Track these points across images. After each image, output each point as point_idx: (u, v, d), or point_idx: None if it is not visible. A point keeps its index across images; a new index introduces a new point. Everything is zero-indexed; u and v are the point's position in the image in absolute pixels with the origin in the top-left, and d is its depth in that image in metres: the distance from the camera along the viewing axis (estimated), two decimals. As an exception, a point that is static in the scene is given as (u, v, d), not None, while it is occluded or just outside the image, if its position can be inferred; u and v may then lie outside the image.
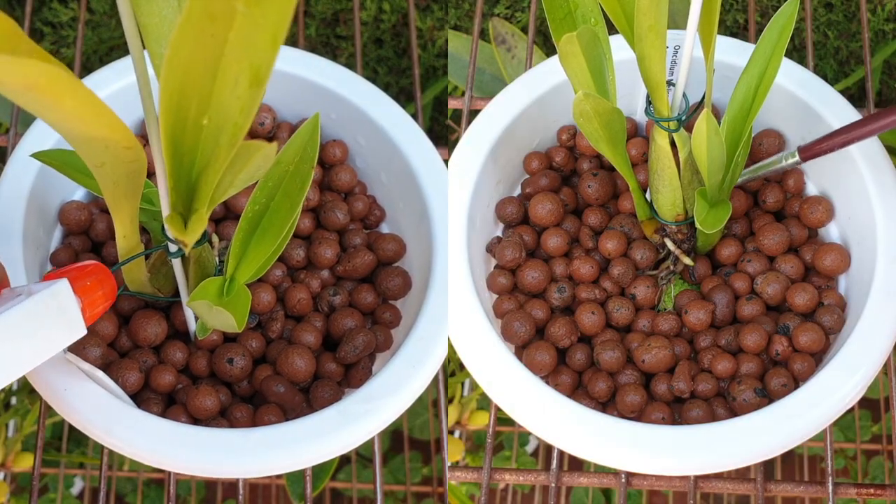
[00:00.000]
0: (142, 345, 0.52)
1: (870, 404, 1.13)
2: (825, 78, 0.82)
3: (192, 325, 0.53)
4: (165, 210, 0.43)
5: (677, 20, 0.68)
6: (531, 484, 0.57)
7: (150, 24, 0.42)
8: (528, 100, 0.58)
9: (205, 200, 0.40)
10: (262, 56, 0.33)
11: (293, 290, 0.55)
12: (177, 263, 0.48)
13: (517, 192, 0.61)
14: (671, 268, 0.57)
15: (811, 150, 0.53)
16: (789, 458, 1.11)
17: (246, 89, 0.34)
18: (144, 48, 0.40)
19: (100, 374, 0.49)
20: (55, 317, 0.42)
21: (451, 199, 0.55)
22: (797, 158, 0.54)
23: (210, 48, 0.32)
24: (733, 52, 0.58)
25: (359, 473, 1.07)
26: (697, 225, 0.51)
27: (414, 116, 0.61)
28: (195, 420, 0.51)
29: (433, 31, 0.88)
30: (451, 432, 0.95)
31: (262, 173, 0.40)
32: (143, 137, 0.58)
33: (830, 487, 0.54)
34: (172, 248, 0.46)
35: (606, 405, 0.54)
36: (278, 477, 0.97)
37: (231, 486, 1.08)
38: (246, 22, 0.32)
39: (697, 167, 0.51)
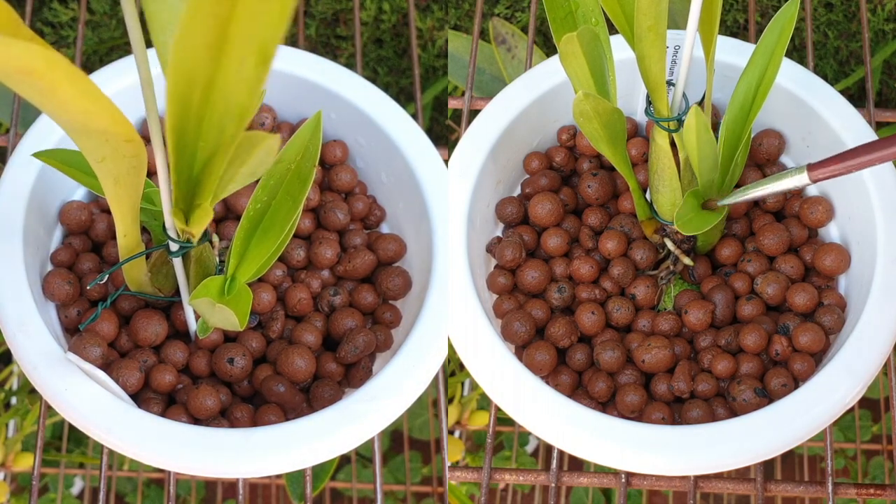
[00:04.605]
0: (142, 344, 0.52)
1: (870, 404, 1.13)
2: (825, 78, 0.82)
3: (193, 325, 0.53)
4: (167, 207, 0.43)
5: (677, 20, 0.68)
6: (531, 484, 0.57)
7: (156, 11, 0.41)
8: (528, 100, 0.58)
9: (208, 194, 0.39)
10: (269, 32, 0.33)
11: (293, 290, 0.55)
12: (177, 263, 0.48)
13: (517, 192, 0.61)
14: (671, 268, 0.57)
15: (822, 171, 0.47)
16: (789, 458, 1.11)
17: (252, 69, 0.34)
18: (149, 44, 0.40)
19: (100, 373, 0.49)
20: None
21: (451, 199, 0.56)
22: (805, 177, 0.48)
23: (215, 30, 0.32)
24: (733, 52, 0.58)
25: (359, 473, 1.07)
26: (675, 226, 0.50)
27: (414, 116, 0.61)
28: (195, 420, 0.51)
29: (433, 31, 0.88)
30: (451, 432, 0.95)
31: (265, 169, 0.40)
32: (145, 138, 0.59)
33: (830, 487, 0.54)
34: (173, 246, 0.46)
35: (606, 405, 0.54)
36: (278, 477, 0.97)
37: (231, 486, 1.08)
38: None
39: (697, 167, 0.51)
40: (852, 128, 0.56)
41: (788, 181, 0.49)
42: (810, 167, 0.48)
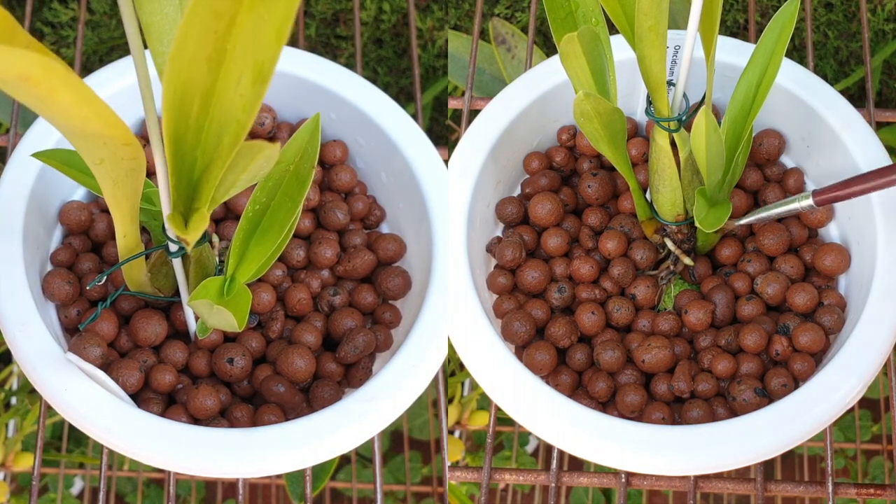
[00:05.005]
0: (142, 345, 0.52)
1: (870, 404, 1.13)
2: (825, 78, 0.82)
3: (193, 325, 0.53)
4: (166, 209, 0.43)
5: (677, 20, 0.68)
6: (531, 484, 0.57)
7: (152, 23, 0.42)
8: (528, 100, 0.58)
9: (206, 200, 0.40)
10: (266, 53, 0.33)
11: (293, 290, 0.55)
12: (177, 263, 0.48)
13: (517, 192, 0.61)
14: (671, 268, 0.57)
15: (827, 196, 0.51)
16: (789, 458, 1.11)
17: (249, 86, 0.34)
18: (146, 47, 0.40)
19: (100, 374, 0.49)
20: None
21: (451, 199, 0.56)
22: (811, 202, 0.52)
23: (213, 45, 0.32)
24: (733, 52, 0.58)
25: (359, 473, 1.07)
26: (697, 224, 0.51)
27: (414, 116, 0.61)
28: (195, 420, 0.51)
29: (433, 31, 0.88)
30: (451, 432, 0.95)
31: (265, 174, 0.40)
32: (144, 139, 0.58)
33: (830, 487, 0.54)
34: (173, 247, 0.46)
35: (606, 405, 0.54)
36: (278, 477, 0.97)
37: (231, 486, 1.08)
38: (250, 18, 0.32)
39: (698, 167, 0.51)
40: (852, 128, 0.56)
41: (796, 205, 0.53)
42: (815, 193, 0.52)
